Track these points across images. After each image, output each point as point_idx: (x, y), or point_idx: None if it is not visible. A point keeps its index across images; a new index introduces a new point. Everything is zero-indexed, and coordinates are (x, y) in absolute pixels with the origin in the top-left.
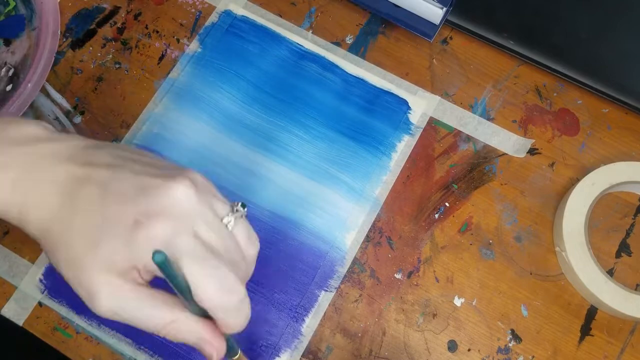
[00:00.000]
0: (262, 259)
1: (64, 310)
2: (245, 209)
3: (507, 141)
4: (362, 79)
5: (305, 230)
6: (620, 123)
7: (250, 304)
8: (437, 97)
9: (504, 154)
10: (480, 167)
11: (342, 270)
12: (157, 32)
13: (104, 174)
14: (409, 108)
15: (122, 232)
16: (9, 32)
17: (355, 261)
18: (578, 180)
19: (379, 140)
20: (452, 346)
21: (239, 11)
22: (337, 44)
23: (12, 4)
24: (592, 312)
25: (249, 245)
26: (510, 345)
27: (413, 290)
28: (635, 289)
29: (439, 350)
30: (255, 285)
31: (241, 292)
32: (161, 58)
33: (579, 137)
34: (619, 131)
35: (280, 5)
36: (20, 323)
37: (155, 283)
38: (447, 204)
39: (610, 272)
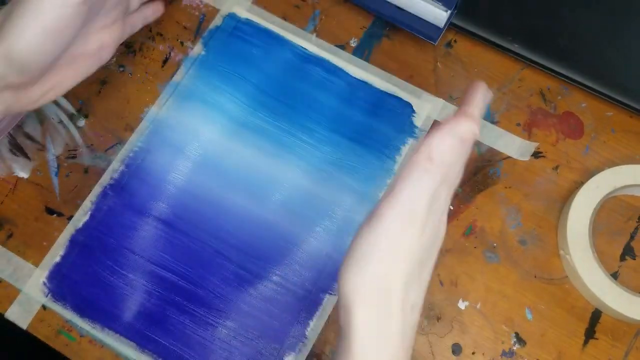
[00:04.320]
0: (267, 262)
1: (67, 314)
2: None
3: (511, 144)
4: (366, 82)
5: (310, 234)
6: (625, 126)
7: (254, 306)
8: (442, 100)
9: (508, 157)
10: (484, 170)
11: None
12: (161, 35)
13: None
14: (413, 111)
15: None
16: None
17: None
18: (582, 183)
19: (384, 144)
20: (457, 349)
21: (243, 14)
22: (342, 47)
23: None
24: (596, 316)
25: None
26: (514, 348)
27: None
28: None
29: (443, 353)
30: (259, 289)
31: None
32: (165, 61)
33: (583, 140)
34: (623, 134)
35: (284, 8)
36: (24, 326)
37: None
38: (451, 207)
39: (615, 276)
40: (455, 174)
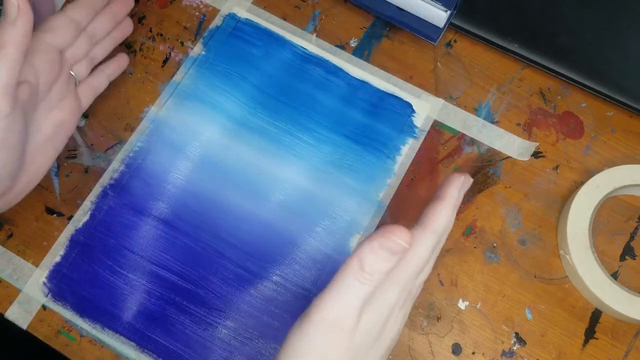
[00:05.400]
0: (267, 262)
1: (67, 314)
2: None
3: (511, 144)
4: (366, 82)
5: (309, 234)
6: (625, 126)
7: (254, 306)
8: (441, 100)
9: (508, 157)
10: (484, 170)
11: None
12: (161, 35)
13: None
14: (413, 111)
15: None
16: None
17: None
18: (582, 183)
19: (384, 144)
20: (457, 349)
21: (243, 14)
22: (342, 47)
23: None
24: (596, 316)
25: None
26: (514, 348)
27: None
28: None
29: (443, 353)
30: (259, 289)
31: None
32: (165, 61)
33: (583, 140)
34: (623, 134)
35: (284, 9)
36: (24, 326)
37: None
38: None
39: (615, 276)
40: (412, 272)
